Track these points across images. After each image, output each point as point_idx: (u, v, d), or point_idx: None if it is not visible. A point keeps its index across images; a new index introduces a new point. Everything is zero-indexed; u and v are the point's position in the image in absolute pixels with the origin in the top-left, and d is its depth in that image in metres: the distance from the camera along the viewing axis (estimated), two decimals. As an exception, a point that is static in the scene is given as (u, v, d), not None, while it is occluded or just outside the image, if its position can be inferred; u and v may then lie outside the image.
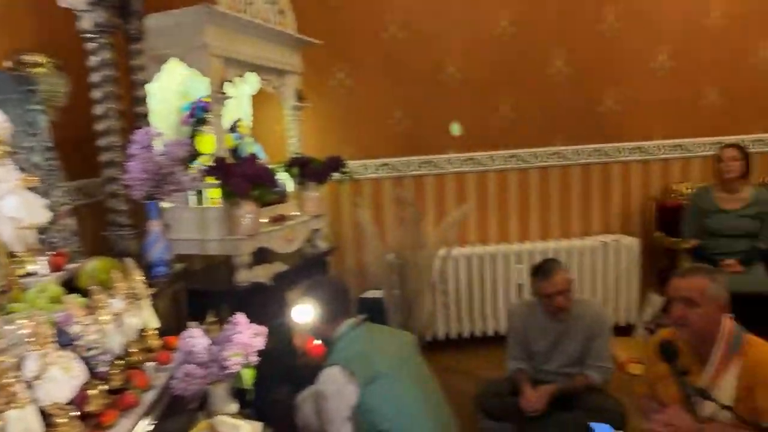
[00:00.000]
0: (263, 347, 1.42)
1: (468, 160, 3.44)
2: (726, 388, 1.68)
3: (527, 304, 2.54)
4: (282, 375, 2.28)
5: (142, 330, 1.38)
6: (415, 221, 2.63)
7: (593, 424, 2.05)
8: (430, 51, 3.34)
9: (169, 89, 2.50)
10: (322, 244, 2.77)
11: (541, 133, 3.46)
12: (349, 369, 1.67)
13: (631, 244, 3.36)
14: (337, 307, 1.89)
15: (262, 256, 2.34)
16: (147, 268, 1.67)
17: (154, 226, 1.74)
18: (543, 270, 2.35)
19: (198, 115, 2.53)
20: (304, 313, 2.19)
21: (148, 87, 2.03)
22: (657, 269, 3.39)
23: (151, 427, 1.20)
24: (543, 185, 3.52)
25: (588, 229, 3.57)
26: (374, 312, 2.41)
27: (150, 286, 1.50)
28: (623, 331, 3.41)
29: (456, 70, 3.36)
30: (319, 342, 2.47)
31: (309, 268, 1.95)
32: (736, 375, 1.68)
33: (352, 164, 3.27)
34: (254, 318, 1.46)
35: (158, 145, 1.72)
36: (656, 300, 3.18)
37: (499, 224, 3.52)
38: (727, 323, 1.75)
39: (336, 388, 1.67)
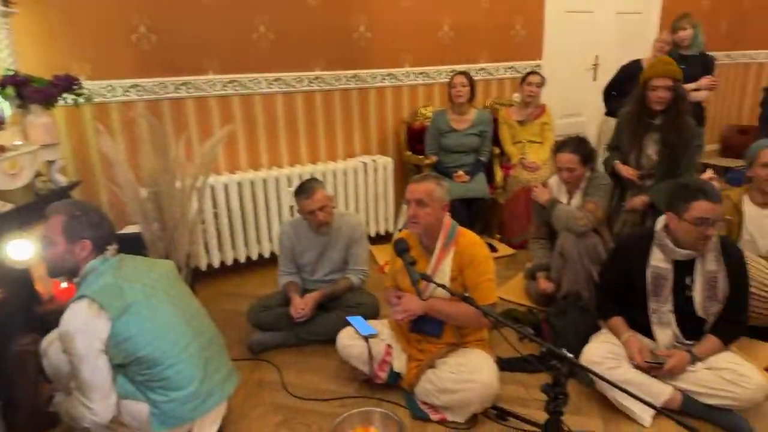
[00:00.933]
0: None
1: (231, 83, 3.33)
2: (445, 271, 2.08)
3: (294, 223, 2.68)
4: (23, 324, 2.03)
5: None
6: (163, 147, 2.46)
7: (349, 317, 2.36)
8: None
9: None
10: (61, 179, 2.43)
11: (303, 58, 3.51)
12: (98, 302, 1.58)
13: (386, 163, 3.74)
14: (93, 234, 1.69)
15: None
16: None
17: None
18: (304, 189, 2.50)
19: None
20: (25, 249, 1.96)
21: None
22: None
23: None
24: (309, 110, 3.63)
25: (351, 151, 3.85)
26: (135, 248, 2.27)
27: None
28: (383, 239, 3.88)
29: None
30: (65, 285, 2.25)
31: (43, 207, 1.70)
32: (451, 260, 2.09)
33: (94, 85, 2.89)
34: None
35: None
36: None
37: (269, 149, 3.55)
38: (447, 220, 2.14)
39: (83, 322, 1.56)
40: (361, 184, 3.69)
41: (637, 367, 2.03)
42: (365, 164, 3.67)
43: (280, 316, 2.55)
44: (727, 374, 1.92)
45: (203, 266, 3.30)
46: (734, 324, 2.03)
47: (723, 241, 2.06)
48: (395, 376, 2.19)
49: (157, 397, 1.70)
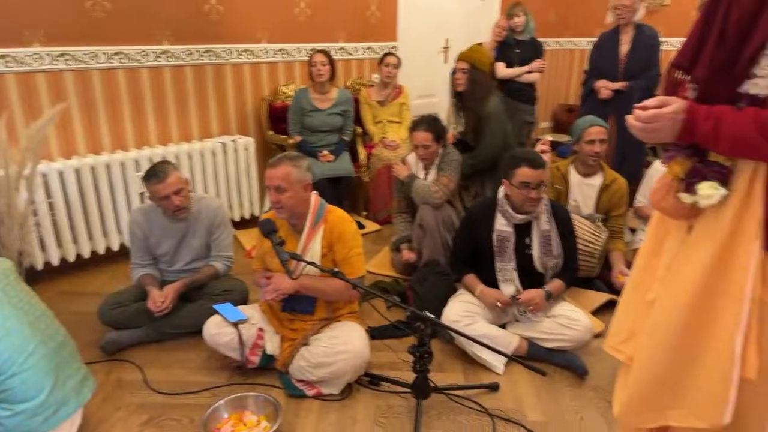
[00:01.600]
0: None
1: (62, 56, 2.93)
2: (315, 249, 2.10)
3: (146, 210, 2.48)
4: None
5: None
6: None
7: (216, 305, 2.27)
8: None
9: None
10: None
11: (146, 30, 3.21)
12: None
13: (247, 143, 3.61)
14: None
15: None
16: None
17: None
18: (155, 172, 2.32)
19: None
20: None
21: None
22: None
23: None
24: (157, 87, 3.34)
25: (208, 131, 3.64)
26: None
27: None
28: (248, 223, 3.76)
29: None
30: None
31: None
32: (321, 237, 2.11)
33: None
34: None
35: None
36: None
37: (111, 131, 3.21)
38: (314, 199, 2.15)
39: None
40: (221, 166, 3.52)
41: (492, 322, 2.27)
42: (224, 145, 3.51)
43: (136, 312, 2.36)
44: (562, 320, 2.23)
45: (40, 265, 2.92)
46: (570, 270, 2.37)
47: (553, 204, 2.36)
48: (268, 359, 2.17)
49: (0, 412, 1.49)
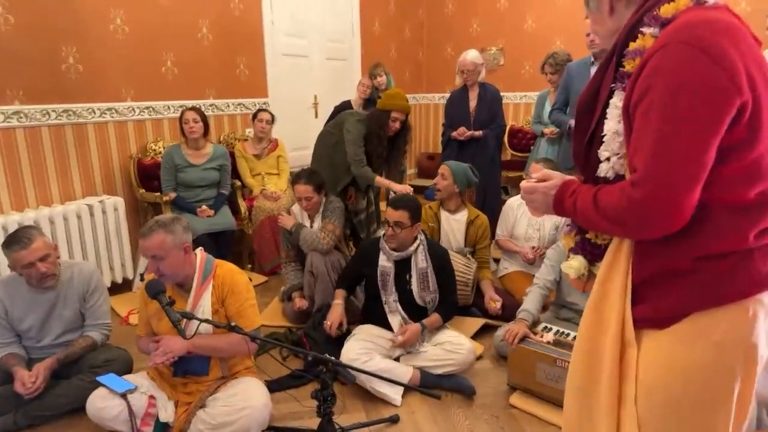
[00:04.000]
0: None
1: None
2: (205, 306, 2.07)
3: (5, 282, 2.25)
4: None
5: None
6: None
7: (99, 378, 2.12)
8: None
9: None
10: None
11: (-4, 88, 2.97)
12: None
13: (116, 203, 3.41)
14: None
15: None
16: None
17: None
18: (17, 239, 2.13)
19: None
20: None
21: None
22: (146, 223, 3.61)
23: None
24: (9, 149, 3.06)
25: (70, 193, 3.39)
26: None
27: None
28: (121, 287, 3.51)
29: None
30: None
31: None
32: (210, 294, 2.09)
33: None
34: None
35: None
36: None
37: (-50, 199, 2.87)
38: (200, 255, 2.13)
39: None
40: (88, 229, 3.28)
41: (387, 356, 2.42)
42: (90, 206, 3.28)
43: (2, 397, 2.09)
44: (447, 346, 2.44)
45: None
46: (447, 305, 2.61)
47: (429, 243, 2.61)
48: (162, 427, 2.05)
49: None
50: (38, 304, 2.24)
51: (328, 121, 4.41)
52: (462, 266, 2.99)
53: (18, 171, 3.12)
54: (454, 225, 3.18)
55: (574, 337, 2.32)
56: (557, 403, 2.24)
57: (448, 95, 4.25)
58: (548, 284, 2.57)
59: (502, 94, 4.09)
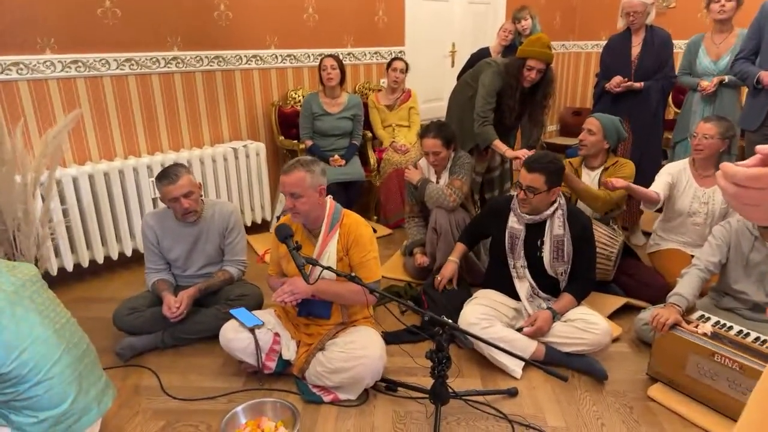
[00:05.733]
0: None
1: (74, 63, 2.95)
2: (331, 253, 2.09)
3: (158, 214, 2.48)
4: None
5: None
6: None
7: (232, 310, 2.27)
8: None
9: None
10: None
11: (157, 36, 3.22)
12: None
13: (258, 148, 3.61)
14: None
15: None
16: None
17: None
18: (167, 174, 2.31)
19: None
20: None
21: None
22: (288, 161, 3.78)
23: None
24: (168, 93, 3.36)
25: (218, 136, 3.65)
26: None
27: None
28: (260, 227, 3.76)
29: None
30: None
31: None
32: (337, 241, 2.10)
33: None
34: None
35: None
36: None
37: (124, 137, 3.22)
38: (330, 203, 2.14)
39: None
40: (233, 171, 3.52)
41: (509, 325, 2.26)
42: (235, 150, 3.51)
43: (151, 318, 2.35)
44: (579, 324, 2.21)
45: (54, 271, 2.92)
46: (584, 281, 2.33)
47: (570, 209, 2.34)
48: (284, 364, 2.16)
49: (23, 420, 1.49)
50: (183, 237, 2.45)
51: (462, 71, 4.18)
52: (606, 237, 2.67)
53: (176, 113, 3.42)
54: (589, 180, 2.84)
55: (738, 332, 1.98)
56: (708, 404, 1.94)
57: (604, 43, 3.74)
58: (710, 267, 2.18)
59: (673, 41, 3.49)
